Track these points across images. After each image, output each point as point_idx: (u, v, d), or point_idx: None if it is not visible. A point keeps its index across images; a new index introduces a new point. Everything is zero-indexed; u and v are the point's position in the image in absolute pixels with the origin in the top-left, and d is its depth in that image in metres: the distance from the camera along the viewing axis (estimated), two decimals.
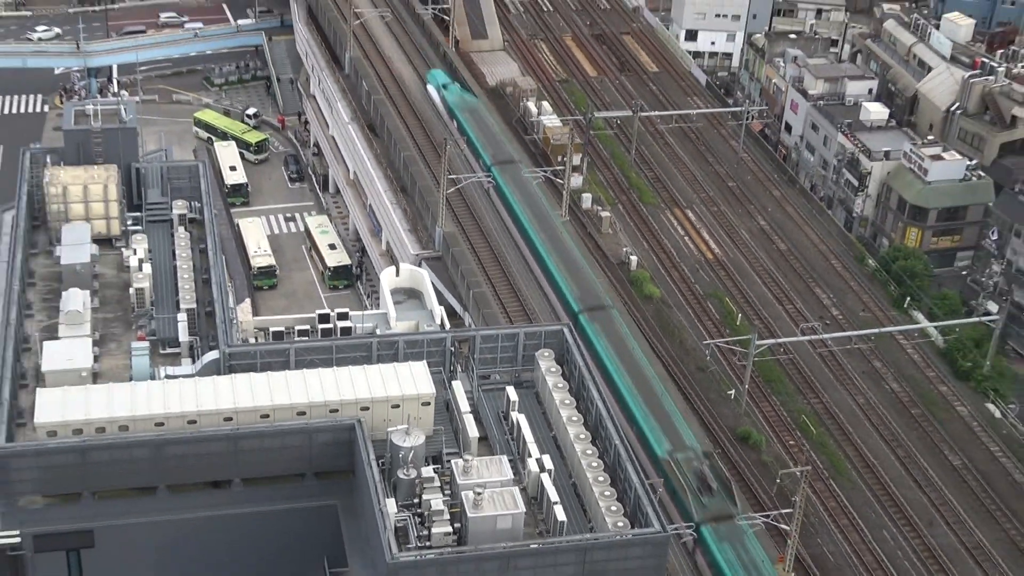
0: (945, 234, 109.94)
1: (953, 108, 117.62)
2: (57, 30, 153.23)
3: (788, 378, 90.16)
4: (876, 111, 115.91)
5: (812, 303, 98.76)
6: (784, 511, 71.69)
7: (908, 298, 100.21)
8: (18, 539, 56.84)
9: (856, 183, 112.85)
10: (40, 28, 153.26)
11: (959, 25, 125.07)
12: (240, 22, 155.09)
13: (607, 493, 56.58)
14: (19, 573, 59.15)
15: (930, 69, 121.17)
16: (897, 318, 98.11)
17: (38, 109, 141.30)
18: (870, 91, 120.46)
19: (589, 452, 58.79)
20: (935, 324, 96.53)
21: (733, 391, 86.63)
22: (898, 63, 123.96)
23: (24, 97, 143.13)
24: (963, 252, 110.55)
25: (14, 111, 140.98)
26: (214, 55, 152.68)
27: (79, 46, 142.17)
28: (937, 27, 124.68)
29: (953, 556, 76.85)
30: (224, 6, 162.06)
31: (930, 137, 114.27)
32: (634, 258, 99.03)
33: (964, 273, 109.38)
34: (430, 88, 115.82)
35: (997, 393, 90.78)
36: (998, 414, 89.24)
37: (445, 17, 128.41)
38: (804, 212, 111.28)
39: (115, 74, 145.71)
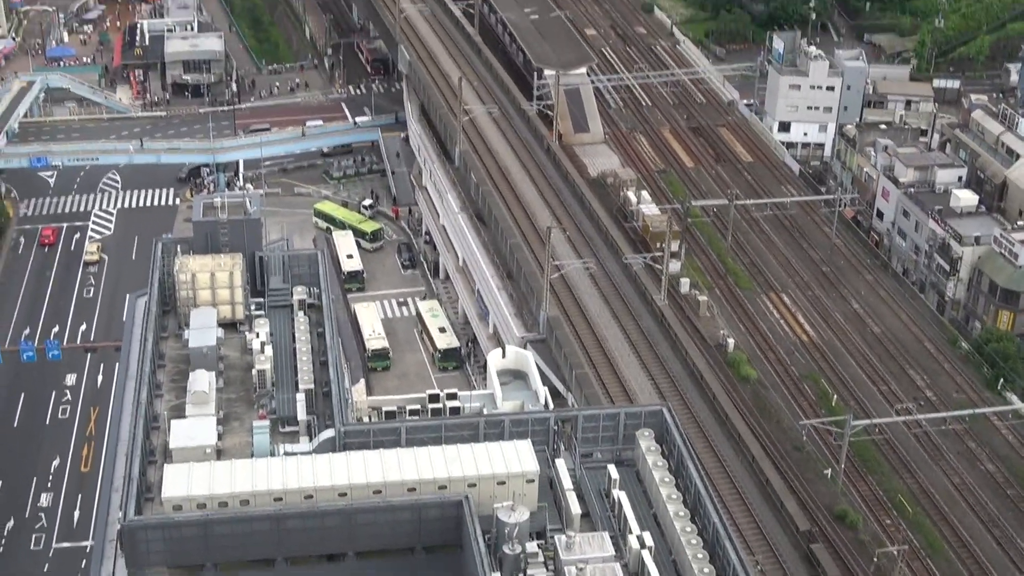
0: None
1: None
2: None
3: (884, 458, 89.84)
4: (966, 197, 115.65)
5: (906, 384, 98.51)
6: None
7: (1001, 380, 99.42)
8: None
9: (947, 267, 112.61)
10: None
11: None
12: (358, 119, 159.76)
13: (706, 570, 55.86)
14: None
15: (1018, 156, 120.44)
16: (991, 399, 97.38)
17: (170, 202, 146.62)
18: (959, 178, 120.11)
19: (688, 529, 58.31)
20: None
21: (829, 470, 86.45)
22: (986, 151, 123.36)
23: (158, 191, 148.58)
24: None
25: (149, 204, 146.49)
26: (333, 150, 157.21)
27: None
28: None
29: None
30: (343, 104, 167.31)
31: (1020, 223, 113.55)
32: (731, 341, 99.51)
33: None
34: None
35: None
36: None
37: (549, 112, 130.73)
38: (897, 296, 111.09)
39: (241, 168, 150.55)
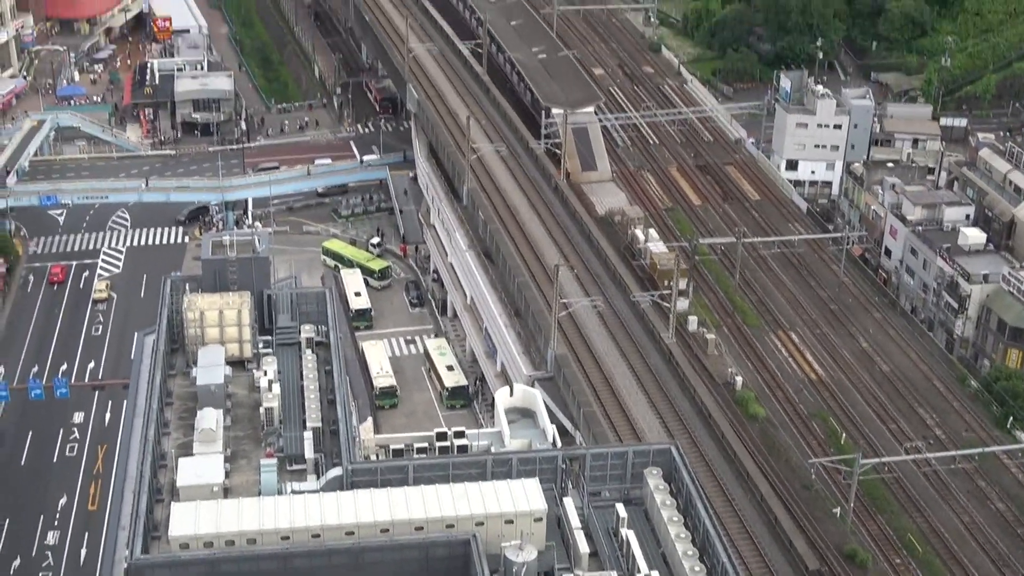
0: None
1: None
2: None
3: (893, 497, 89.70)
4: (974, 236, 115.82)
5: (915, 423, 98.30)
6: None
7: (1011, 418, 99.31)
8: None
9: (956, 306, 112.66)
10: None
11: None
12: (366, 158, 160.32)
13: None
14: None
15: None
16: (1000, 438, 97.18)
17: (179, 240, 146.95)
18: (967, 216, 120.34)
19: (697, 569, 58.57)
20: None
21: (839, 509, 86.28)
22: (994, 189, 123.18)
23: (166, 229, 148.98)
24: None
25: (158, 242, 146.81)
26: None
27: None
28: None
29: None
30: (352, 143, 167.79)
31: None
32: (739, 379, 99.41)
33: None
34: None
35: None
36: None
37: (557, 151, 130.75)
38: (905, 334, 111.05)
39: (250, 207, 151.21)
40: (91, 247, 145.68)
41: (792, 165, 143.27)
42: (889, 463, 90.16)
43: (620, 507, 63.02)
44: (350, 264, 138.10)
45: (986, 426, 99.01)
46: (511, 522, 59.98)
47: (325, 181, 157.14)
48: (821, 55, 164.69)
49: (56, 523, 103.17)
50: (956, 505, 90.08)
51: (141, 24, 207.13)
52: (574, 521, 61.57)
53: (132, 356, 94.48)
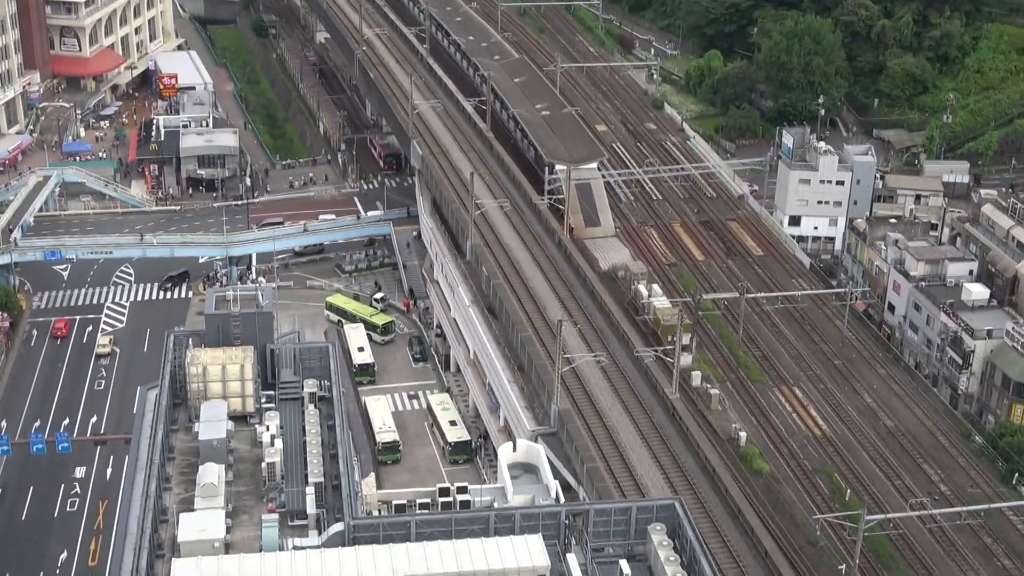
0: None
1: None
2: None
3: (899, 554, 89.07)
4: (977, 291, 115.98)
5: (920, 479, 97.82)
6: None
7: (1016, 474, 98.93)
8: None
9: (960, 361, 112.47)
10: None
11: None
12: (369, 214, 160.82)
13: None
14: None
15: None
16: (1006, 494, 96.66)
17: (183, 295, 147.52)
18: (970, 272, 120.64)
19: None
20: None
21: (844, 567, 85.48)
22: (997, 245, 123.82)
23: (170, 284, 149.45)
24: None
25: (162, 297, 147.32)
26: (345, 244, 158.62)
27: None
28: None
29: None
30: (355, 199, 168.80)
31: None
32: (743, 434, 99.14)
33: None
34: None
35: None
36: None
37: (560, 207, 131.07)
38: (909, 389, 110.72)
39: (254, 262, 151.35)
40: (94, 302, 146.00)
41: (795, 221, 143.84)
42: (894, 519, 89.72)
43: (624, 563, 62.74)
44: (353, 319, 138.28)
45: (991, 482, 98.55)
46: None
47: (330, 236, 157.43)
48: (823, 112, 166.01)
49: None
50: (962, 562, 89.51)
51: (147, 81, 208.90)
52: None
53: (134, 411, 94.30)
